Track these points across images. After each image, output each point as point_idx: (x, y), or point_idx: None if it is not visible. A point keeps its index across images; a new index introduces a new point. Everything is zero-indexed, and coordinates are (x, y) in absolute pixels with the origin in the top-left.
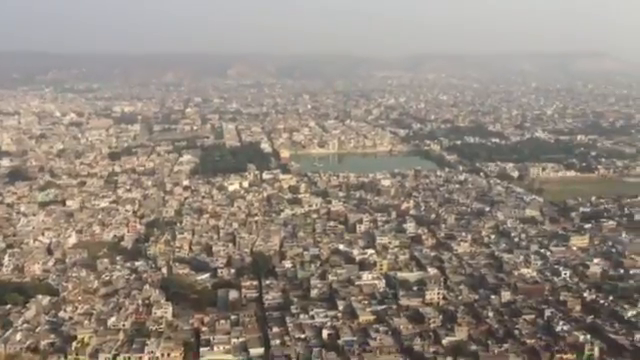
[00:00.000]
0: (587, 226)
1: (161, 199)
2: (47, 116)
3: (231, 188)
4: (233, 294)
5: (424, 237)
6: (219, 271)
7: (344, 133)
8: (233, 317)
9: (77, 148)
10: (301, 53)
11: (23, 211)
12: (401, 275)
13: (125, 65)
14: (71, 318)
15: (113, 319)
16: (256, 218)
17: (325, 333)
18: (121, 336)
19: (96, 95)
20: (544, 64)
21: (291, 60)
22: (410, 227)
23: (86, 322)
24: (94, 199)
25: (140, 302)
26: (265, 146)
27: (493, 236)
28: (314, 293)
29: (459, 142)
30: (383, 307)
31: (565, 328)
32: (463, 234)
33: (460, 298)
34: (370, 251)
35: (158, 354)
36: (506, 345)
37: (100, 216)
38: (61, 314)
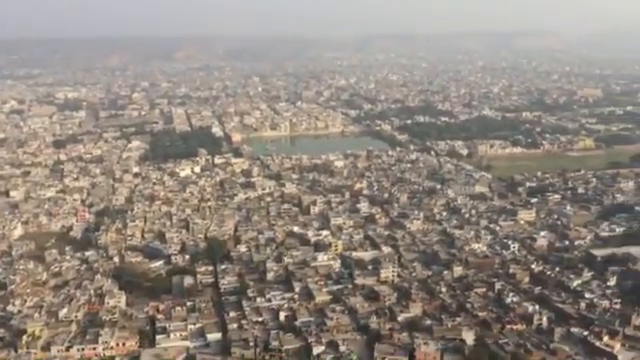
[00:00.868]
0: (533, 200)
1: (110, 187)
2: None
3: (183, 174)
4: (188, 280)
5: (378, 216)
6: (173, 258)
7: (296, 115)
8: (189, 303)
9: (19, 137)
10: (250, 35)
11: None
12: (356, 255)
13: (67, 50)
14: (20, 311)
15: (64, 311)
16: (209, 203)
17: (282, 315)
18: (73, 328)
19: (37, 81)
20: (490, 43)
21: (240, 42)
22: (364, 207)
23: (36, 315)
24: (39, 189)
25: (92, 292)
26: (216, 130)
27: (444, 213)
28: (270, 276)
29: (409, 122)
30: (339, 287)
31: (515, 300)
32: (415, 212)
33: (414, 275)
34: (325, 232)
35: (113, 344)
36: (459, 318)
37: (47, 206)
38: (9, 308)
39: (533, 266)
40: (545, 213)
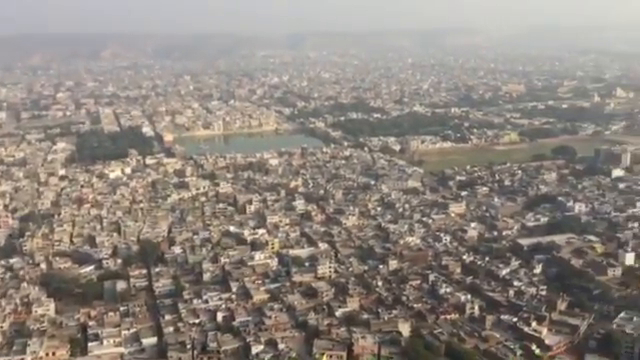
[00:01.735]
0: (463, 193)
1: (35, 191)
2: None
3: (112, 175)
4: (121, 285)
5: (314, 213)
6: (104, 262)
7: (229, 114)
8: (122, 308)
9: None
10: (180, 32)
11: None
12: (293, 252)
13: None
14: None
15: None
16: (141, 205)
17: (220, 316)
18: None
19: None
20: (419, 40)
21: (169, 40)
22: (299, 204)
23: None
24: None
25: (18, 301)
26: (147, 130)
27: (379, 208)
28: (206, 277)
29: (343, 118)
30: (277, 285)
31: (448, 290)
32: (351, 208)
33: (351, 270)
34: (261, 231)
35: (42, 354)
36: (395, 311)
37: None
38: None
39: (464, 257)
40: (474, 205)
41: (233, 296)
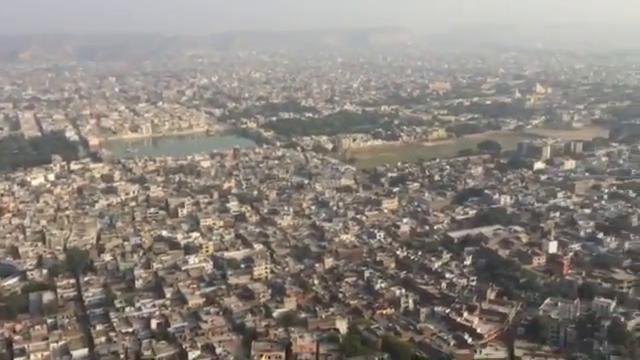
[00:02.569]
0: (395, 190)
1: None
2: None
3: (35, 182)
4: (47, 296)
5: (248, 214)
6: (29, 273)
7: (157, 116)
8: (50, 321)
9: None
10: (102, 32)
11: None
12: (228, 255)
13: None
14: None
15: None
16: (67, 212)
17: (154, 323)
18: None
19: None
20: (347, 39)
21: (92, 40)
22: (233, 206)
23: None
24: None
25: None
26: (71, 134)
27: (313, 207)
28: (139, 284)
29: (274, 118)
30: (212, 289)
31: (383, 285)
32: (285, 208)
33: (287, 270)
34: (195, 234)
35: None
36: (332, 309)
37: None
38: None
39: (398, 252)
40: (406, 201)
41: (167, 302)
